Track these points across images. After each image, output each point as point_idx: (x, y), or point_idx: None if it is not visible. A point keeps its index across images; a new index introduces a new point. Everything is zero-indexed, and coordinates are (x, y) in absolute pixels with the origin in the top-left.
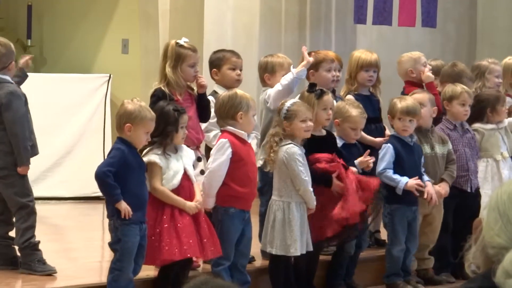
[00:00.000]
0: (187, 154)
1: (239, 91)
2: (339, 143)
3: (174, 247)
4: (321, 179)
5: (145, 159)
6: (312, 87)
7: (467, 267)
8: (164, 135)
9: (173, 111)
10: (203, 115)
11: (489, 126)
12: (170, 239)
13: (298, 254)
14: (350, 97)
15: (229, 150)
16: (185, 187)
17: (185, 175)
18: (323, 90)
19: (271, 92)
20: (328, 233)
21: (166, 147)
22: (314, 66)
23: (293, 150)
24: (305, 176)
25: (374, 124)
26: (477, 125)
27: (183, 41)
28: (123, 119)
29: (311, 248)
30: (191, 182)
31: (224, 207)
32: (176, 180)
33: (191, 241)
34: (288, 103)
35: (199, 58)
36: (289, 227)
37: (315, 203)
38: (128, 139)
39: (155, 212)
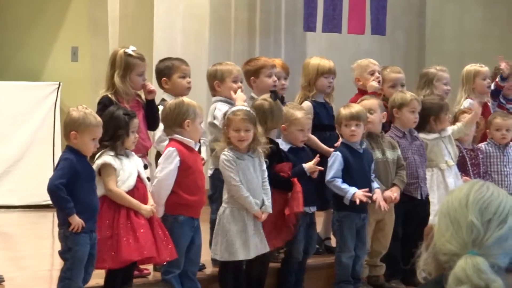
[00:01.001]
0: (138, 160)
1: (185, 98)
2: (286, 147)
3: (133, 247)
4: (284, 184)
5: (98, 161)
6: (273, 93)
7: (418, 274)
8: (115, 138)
9: (124, 115)
10: (152, 123)
11: (432, 135)
12: (127, 240)
13: (239, 259)
14: (307, 103)
15: (177, 159)
16: (139, 189)
17: (138, 177)
18: (277, 95)
19: (218, 115)
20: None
21: (117, 150)
22: (254, 73)
23: (222, 157)
24: (237, 181)
25: (328, 132)
26: (420, 136)
27: (131, 49)
28: (68, 127)
29: (260, 253)
30: (144, 184)
31: (174, 215)
32: (132, 181)
33: (148, 242)
34: (229, 112)
35: (146, 67)
36: (222, 233)
37: (256, 208)
38: (76, 147)
39: (111, 213)
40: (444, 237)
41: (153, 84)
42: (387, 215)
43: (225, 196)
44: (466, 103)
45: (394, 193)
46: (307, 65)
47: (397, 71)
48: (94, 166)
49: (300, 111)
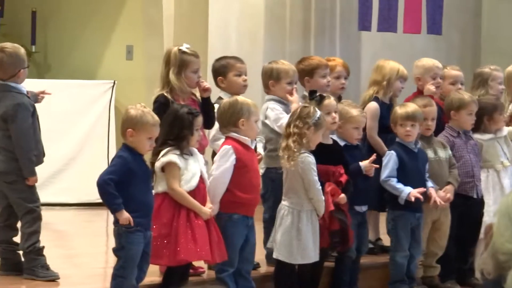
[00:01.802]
0: (201, 158)
1: (239, 97)
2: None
3: (191, 248)
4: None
5: (163, 159)
6: (312, 93)
7: (477, 273)
8: (180, 138)
9: (188, 114)
10: (208, 121)
11: (487, 136)
12: (186, 240)
13: (306, 262)
14: (374, 104)
15: (233, 157)
16: (200, 189)
17: (200, 177)
18: (322, 95)
19: (270, 115)
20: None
21: (183, 150)
22: (309, 73)
23: (308, 160)
24: (319, 185)
25: (390, 134)
26: (475, 136)
27: (185, 47)
28: (125, 124)
29: (318, 257)
30: (205, 184)
31: (228, 214)
32: (194, 182)
33: (205, 244)
34: (318, 112)
35: (201, 64)
36: (297, 235)
37: (323, 210)
38: (131, 145)
39: (172, 211)
40: (503, 237)
41: (209, 83)
42: (443, 215)
43: (289, 197)
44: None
45: (447, 193)
46: (385, 65)
47: (456, 69)
48: (158, 163)
49: (355, 108)
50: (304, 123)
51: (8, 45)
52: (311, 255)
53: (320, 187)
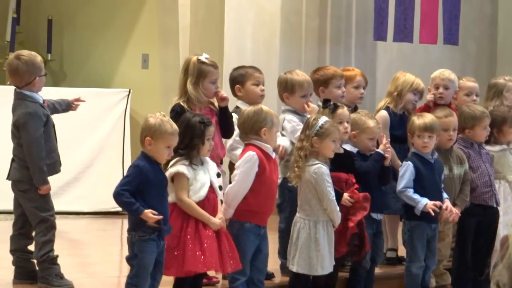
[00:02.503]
0: (212, 167)
1: (264, 107)
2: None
3: (198, 259)
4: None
5: (172, 169)
6: (325, 102)
7: (493, 284)
8: (190, 147)
9: (199, 123)
10: (226, 130)
11: (498, 147)
12: (194, 251)
13: (326, 273)
14: (384, 112)
15: (257, 163)
16: (210, 199)
17: (211, 187)
18: (336, 104)
19: (287, 127)
20: (341, 248)
21: (193, 159)
22: (324, 83)
23: (321, 171)
24: (333, 196)
25: (399, 143)
26: (486, 148)
27: (204, 57)
28: (144, 132)
29: (332, 268)
30: (216, 194)
31: (240, 222)
32: (203, 192)
33: (213, 254)
34: (321, 120)
35: (219, 75)
36: (315, 246)
37: (339, 221)
38: (149, 154)
39: (180, 222)
40: None
41: (225, 92)
42: (447, 226)
43: (304, 208)
44: None
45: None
46: (400, 77)
47: (472, 81)
48: (167, 174)
49: (372, 119)
50: (306, 135)
51: (25, 52)
52: (327, 265)
53: (334, 198)
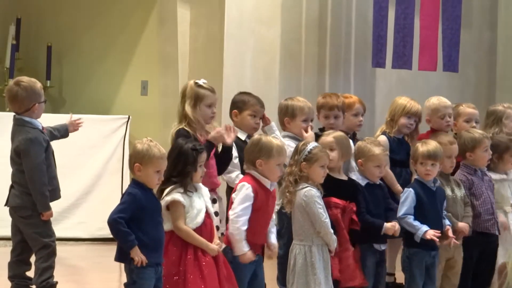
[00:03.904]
0: (205, 192)
1: (265, 137)
2: (363, 183)
3: (200, 286)
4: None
5: (167, 198)
6: (322, 131)
7: None
8: (183, 175)
9: (192, 150)
10: (223, 168)
11: (498, 176)
12: (195, 278)
13: None
14: (383, 137)
15: (251, 195)
16: (207, 225)
17: (206, 213)
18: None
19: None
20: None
21: (187, 186)
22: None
23: (311, 193)
24: (325, 218)
25: (400, 167)
26: (488, 174)
27: (202, 81)
28: (132, 159)
29: None
30: (211, 220)
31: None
32: (200, 219)
33: (213, 281)
34: (310, 146)
35: (216, 100)
36: (312, 271)
37: (335, 244)
38: (140, 180)
39: (179, 250)
40: None
41: (223, 115)
42: (457, 253)
43: (298, 234)
44: None
45: (465, 226)
46: (395, 101)
47: (472, 107)
48: (163, 202)
49: (377, 147)
50: (295, 161)
51: (25, 79)
52: None
53: (328, 220)
